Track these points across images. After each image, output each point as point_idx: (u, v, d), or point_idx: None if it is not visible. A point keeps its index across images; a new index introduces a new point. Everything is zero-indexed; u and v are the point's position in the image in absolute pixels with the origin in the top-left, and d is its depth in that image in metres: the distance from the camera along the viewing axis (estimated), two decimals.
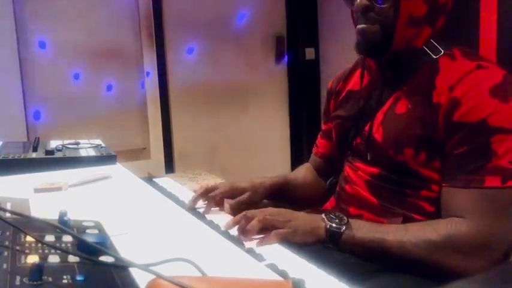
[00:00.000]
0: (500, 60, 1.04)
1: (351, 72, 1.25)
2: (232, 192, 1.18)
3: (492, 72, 0.98)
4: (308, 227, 0.98)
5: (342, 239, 0.96)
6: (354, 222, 0.98)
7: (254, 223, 0.95)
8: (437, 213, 1.01)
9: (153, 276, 0.52)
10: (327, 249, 0.97)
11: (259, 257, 0.82)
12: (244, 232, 0.95)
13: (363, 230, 0.97)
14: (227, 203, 1.15)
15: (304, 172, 1.38)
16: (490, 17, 2.09)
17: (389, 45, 1.04)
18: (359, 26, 1.06)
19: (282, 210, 1.02)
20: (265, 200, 1.24)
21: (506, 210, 0.93)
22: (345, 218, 0.99)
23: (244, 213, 0.99)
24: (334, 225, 0.97)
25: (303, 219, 1.00)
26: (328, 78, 1.37)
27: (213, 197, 1.15)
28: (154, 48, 3.13)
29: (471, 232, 0.91)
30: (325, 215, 0.99)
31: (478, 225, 0.92)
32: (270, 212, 1.00)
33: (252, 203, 1.17)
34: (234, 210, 1.11)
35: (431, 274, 0.93)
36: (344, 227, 0.97)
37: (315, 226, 0.98)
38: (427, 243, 0.93)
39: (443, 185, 0.98)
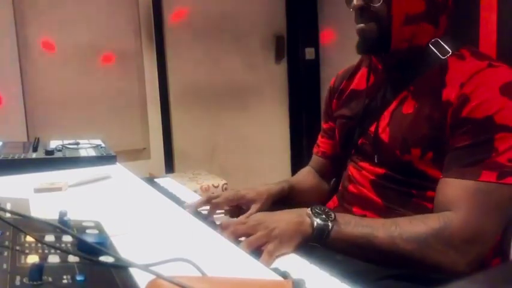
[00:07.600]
0: (500, 60, 1.04)
1: (355, 71, 1.25)
2: (237, 201, 1.15)
3: (503, 70, 0.98)
4: (292, 227, 0.90)
5: (330, 236, 0.90)
6: (341, 217, 0.93)
7: (243, 247, 0.86)
8: None
9: (153, 276, 0.52)
10: (316, 248, 0.91)
11: (259, 257, 0.82)
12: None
13: (351, 225, 0.92)
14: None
15: (307, 176, 1.36)
16: (490, 17, 2.09)
17: (388, 43, 1.04)
18: (357, 26, 1.07)
19: (261, 217, 0.94)
20: None
21: (498, 206, 0.92)
22: (332, 212, 0.93)
23: (230, 234, 0.91)
24: (321, 221, 0.91)
25: (285, 220, 0.91)
26: (328, 78, 1.37)
27: (216, 204, 1.12)
28: (154, 48, 3.13)
29: (461, 225, 0.90)
30: (311, 210, 0.93)
31: (468, 218, 0.90)
32: (250, 225, 0.91)
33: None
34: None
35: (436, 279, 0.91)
36: (332, 223, 0.91)
37: (299, 221, 0.91)
38: (418, 238, 0.90)
39: (440, 177, 0.98)
